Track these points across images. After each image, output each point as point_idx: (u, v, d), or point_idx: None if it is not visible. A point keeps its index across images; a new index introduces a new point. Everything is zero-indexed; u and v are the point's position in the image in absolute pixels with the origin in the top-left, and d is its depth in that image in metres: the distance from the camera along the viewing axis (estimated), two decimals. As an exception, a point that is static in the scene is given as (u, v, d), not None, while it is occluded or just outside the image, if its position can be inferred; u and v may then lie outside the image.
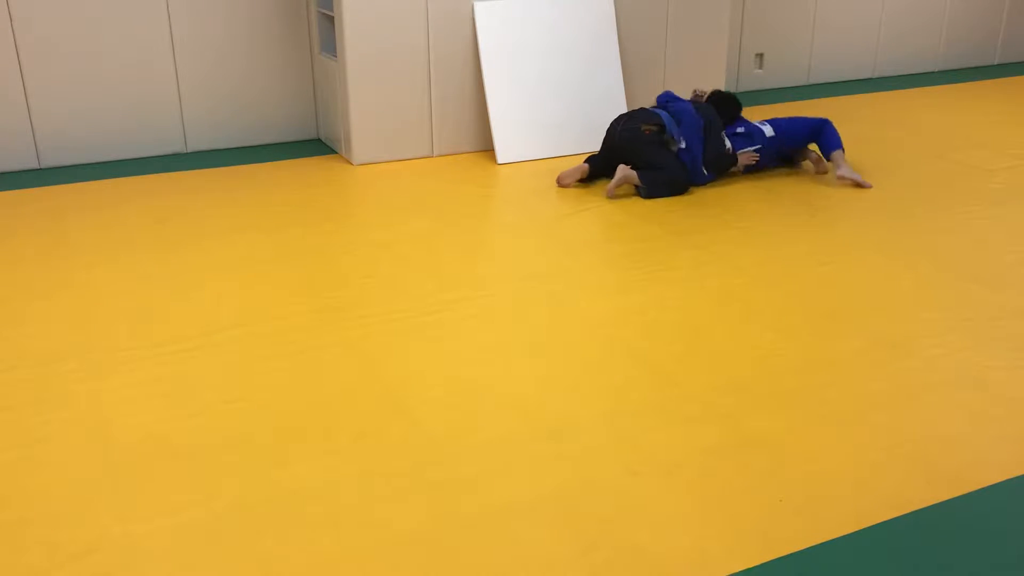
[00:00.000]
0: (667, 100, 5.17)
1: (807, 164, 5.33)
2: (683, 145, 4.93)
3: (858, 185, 5.00)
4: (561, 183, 5.06)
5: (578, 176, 5.05)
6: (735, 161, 5.14)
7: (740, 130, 5.23)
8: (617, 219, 4.61)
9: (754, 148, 5.19)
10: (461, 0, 5.44)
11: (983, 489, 2.48)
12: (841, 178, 5.05)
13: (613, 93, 5.86)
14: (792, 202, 4.84)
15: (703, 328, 3.42)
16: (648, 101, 6.10)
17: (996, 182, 5.08)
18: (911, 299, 3.65)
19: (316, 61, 5.83)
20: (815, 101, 7.04)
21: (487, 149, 5.74)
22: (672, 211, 4.67)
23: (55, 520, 2.37)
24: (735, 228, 4.42)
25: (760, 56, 7.44)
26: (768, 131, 5.22)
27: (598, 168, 5.08)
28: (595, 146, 5.57)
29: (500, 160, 5.52)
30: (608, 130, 5.10)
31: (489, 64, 5.52)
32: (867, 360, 3.16)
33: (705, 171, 5.00)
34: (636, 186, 4.89)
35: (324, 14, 5.55)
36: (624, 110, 5.84)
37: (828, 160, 5.20)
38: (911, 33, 8.01)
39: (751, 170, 5.25)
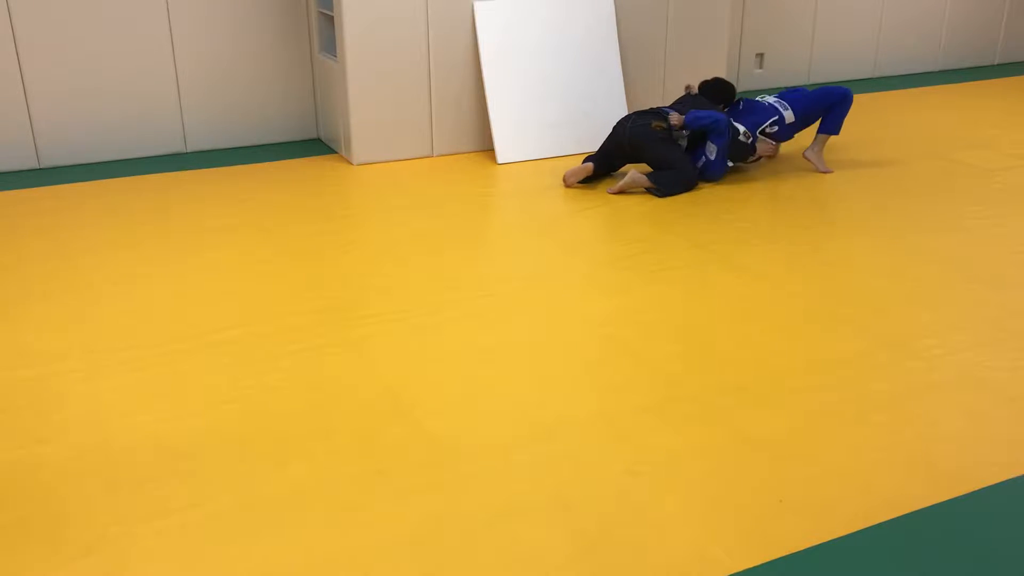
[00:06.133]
0: (696, 119, 5.00)
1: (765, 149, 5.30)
2: (712, 157, 4.97)
3: (817, 170, 5.28)
4: (566, 183, 5.07)
5: (582, 175, 5.05)
6: (753, 150, 5.14)
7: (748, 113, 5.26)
8: (617, 219, 4.61)
9: (773, 132, 5.19)
10: (461, 0, 5.44)
11: (983, 489, 2.48)
12: (805, 158, 5.32)
13: (613, 93, 5.86)
14: (793, 202, 4.84)
15: (703, 328, 3.42)
16: (648, 101, 6.11)
17: (996, 182, 5.08)
18: (911, 299, 3.65)
19: (316, 61, 5.83)
20: (815, 101, 7.04)
21: (487, 149, 5.74)
22: (672, 211, 4.67)
23: (55, 520, 2.37)
24: (735, 228, 4.42)
25: (760, 56, 7.44)
26: (789, 116, 5.20)
27: (600, 167, 5.09)
28: (594, 146, 5.59)
29: (500, 160, 5.52)
30: (615, 128, 5.10)
31: (489, 64, 5.52)
32: (867, 360, 3.16)
33: (729, 163, 5.06)
34: (648, 188, 4.90)
35: (324, 14, 5.55)
36: (624, 110, 5.85)
37: (818, 133, 5.29)
38: (911, 33, 8.01)
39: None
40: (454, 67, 5.53)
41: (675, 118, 5.00)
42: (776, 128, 5.21)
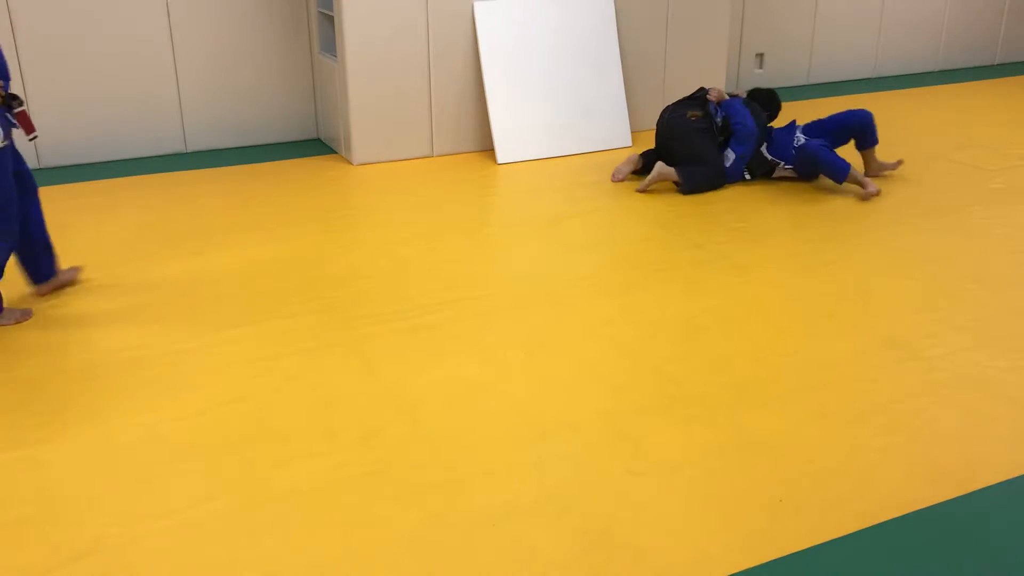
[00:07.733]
0: (731, 105, 4.99)
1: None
2: (727, 164, 4.95)
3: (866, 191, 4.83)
4: (615, 179, 5.10)
5: (630, 168, 5.10)
6: (772, 170, 5.11)
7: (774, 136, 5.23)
8: (617, 219, 4.61)
9: (786, 164, 5.12)
10: (461, 0, 5.44)
11: (983, 489, 2.48)
12: (875, 173, 5.14)
13: (613, 93, 5.86)
14: (793, 203, 4.84)
15: (703, 328, 3.42)
16: (648, 101, 6.12)
17: (996, 182, 5.08)
18: (911, 299, 3.65)
19: (316, 61, 5.83)
20: (815, 101, 7.04)
21: (487, 149, 5.74)
22: (672, 211, 4.67)
23: (55, 520, 2.37)
24: (735, 228, 4.42)
25: (760, 56, 7.44)
26: (801, 139, 5.15)
27: (652, 162, 5.09)
28: (595, 146, 5.62)
29: (500, 160, 5.52)
30: (658, 121, 5.15)
31: (489, 64, 5.52)
32: (867, 360, 3.16)
33: (747, 175, 5.06)
34: (675, 182, 4.91)
35: (324, 14, 5.55)
36: (624, 110, 5.86)
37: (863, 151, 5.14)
38: (911, 33, 8.01)
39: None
40: (454, 67, 5.53)
41: (715, 94, 5.06)
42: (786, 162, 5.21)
